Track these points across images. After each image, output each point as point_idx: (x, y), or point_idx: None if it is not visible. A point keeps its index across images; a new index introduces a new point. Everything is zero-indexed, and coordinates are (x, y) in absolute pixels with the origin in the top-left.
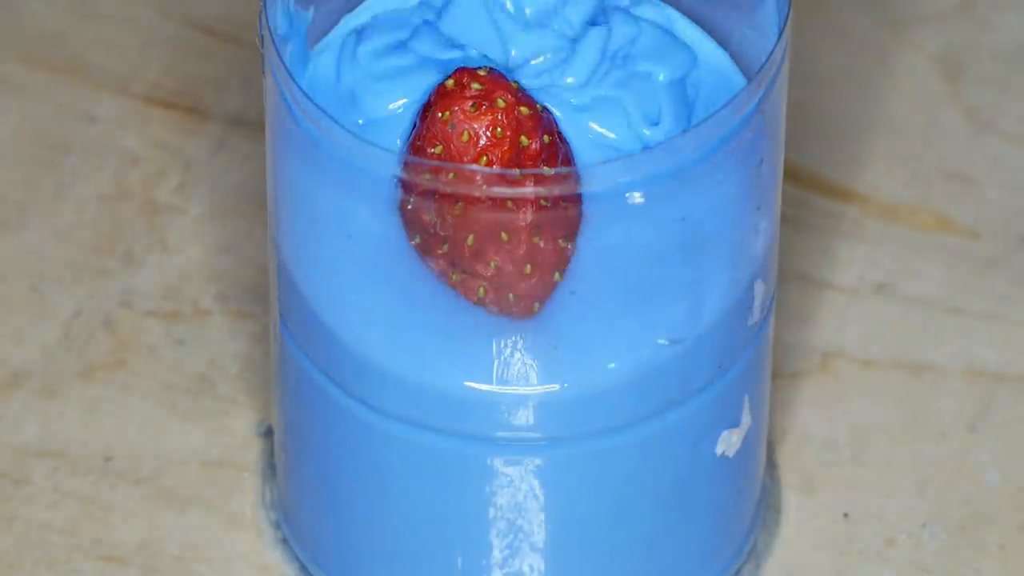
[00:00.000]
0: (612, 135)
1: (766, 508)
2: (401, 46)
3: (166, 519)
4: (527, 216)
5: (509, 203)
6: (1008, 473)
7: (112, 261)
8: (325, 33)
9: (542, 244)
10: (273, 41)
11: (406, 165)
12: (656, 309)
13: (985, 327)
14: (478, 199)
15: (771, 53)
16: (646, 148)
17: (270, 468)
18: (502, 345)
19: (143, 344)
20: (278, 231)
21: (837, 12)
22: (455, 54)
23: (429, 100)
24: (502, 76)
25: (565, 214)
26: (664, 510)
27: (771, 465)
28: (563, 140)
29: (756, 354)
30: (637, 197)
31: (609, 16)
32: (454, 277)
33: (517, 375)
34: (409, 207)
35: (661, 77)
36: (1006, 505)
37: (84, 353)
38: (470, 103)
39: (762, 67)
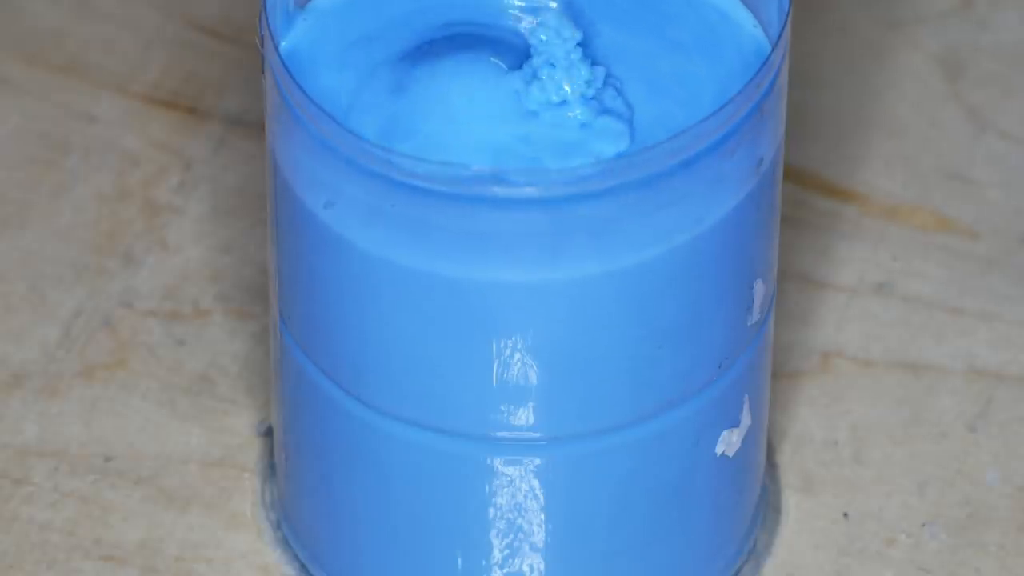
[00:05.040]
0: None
1: (766, 508)
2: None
3: (166, 519)
4: None
5: None
6: (1008, 473)
7: (112, 261)
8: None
9: None
10: (273, 41)
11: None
12: (656, 308)
13: (985, 327)
14: None
15: (771, 53)
16: (646, 148)
17: (270, 468)
18: (502, 346)
19: (143, 344)
20: (278, 232)
21: (837, 12)
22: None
23: None
24: None
25: None
26: (664, 510)
27: (771, 465)
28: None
29: (756, 354)
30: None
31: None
32: None
33: (517, 375)
34: None
35: None
36: (1006, 505)
37: (84, 353)
38: None
39: (762, 67)
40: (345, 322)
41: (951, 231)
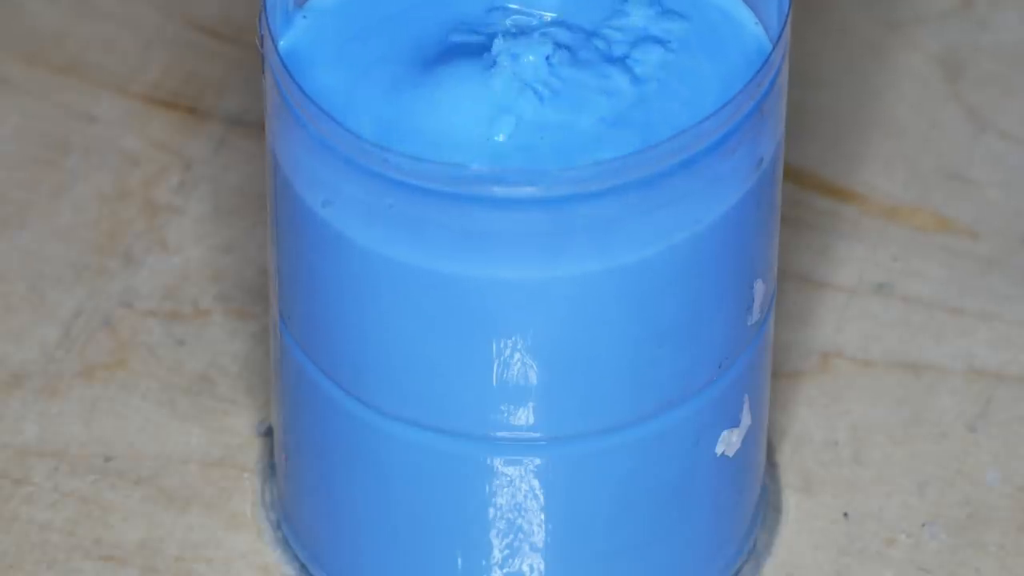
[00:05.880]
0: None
1: (766, 508)
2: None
3: (166, 519)
4: None
5: None
6: (1008, 473)
7: (112, 261)
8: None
9: None
10: (272, 40)
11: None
12: (656, 307)
13: (985, 327)
14: None
15: (771, 53)
16: (646, 148)
17: (270, 468)
18: (502, 345)
19: (143, 344)
20: (278, 231)
21: (837, 12)
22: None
23: None
24: None
25: None
26: (664, 510)
27: (771, 465)
28: None
29: (756, 354)
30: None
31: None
32: None
33: (517, 375)
34: None
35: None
36: (1006, 505)
37: (84, 353)
38: None
39: (762, 67)
40: (345, 321)
41: (951, 231)
